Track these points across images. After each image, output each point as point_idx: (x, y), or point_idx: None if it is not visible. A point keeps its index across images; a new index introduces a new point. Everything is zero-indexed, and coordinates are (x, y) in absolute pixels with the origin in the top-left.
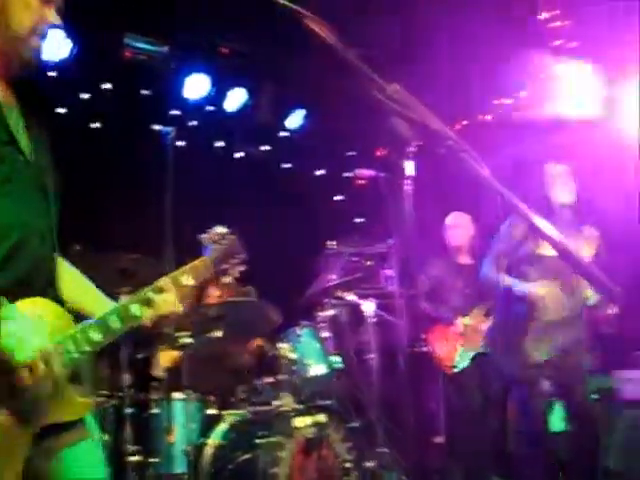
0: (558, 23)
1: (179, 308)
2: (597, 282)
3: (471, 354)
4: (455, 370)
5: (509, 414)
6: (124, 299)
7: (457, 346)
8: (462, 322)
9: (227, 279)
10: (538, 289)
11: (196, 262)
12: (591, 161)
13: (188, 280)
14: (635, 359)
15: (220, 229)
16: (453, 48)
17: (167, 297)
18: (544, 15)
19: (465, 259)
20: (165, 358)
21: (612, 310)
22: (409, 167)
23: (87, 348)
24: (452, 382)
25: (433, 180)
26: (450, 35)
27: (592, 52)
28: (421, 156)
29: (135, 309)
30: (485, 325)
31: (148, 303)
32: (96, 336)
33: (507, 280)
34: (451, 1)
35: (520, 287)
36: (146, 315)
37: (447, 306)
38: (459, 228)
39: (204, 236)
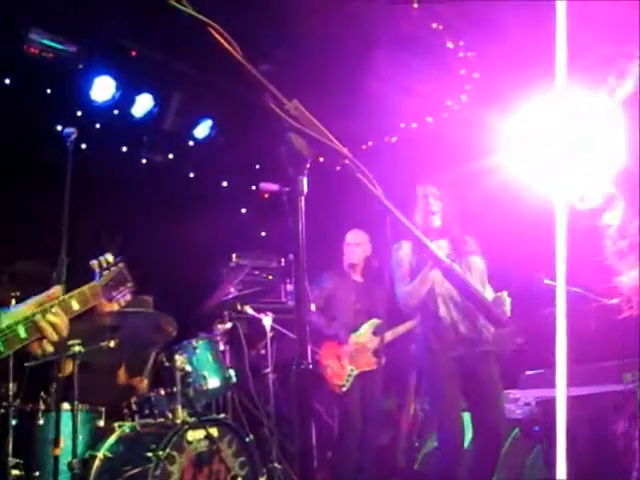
0: (461, 54)
1: (64, 334)
2: (482, 307)
3: (356, 372)
4: (344, 389)
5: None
6: (7, 318)
7: (346, 365)
8: (354, 340)
9: (114, 306)
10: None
11: (84, 288)
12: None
13: (75, 305)
14: (524, 380)
15: (110, 257)
16: (362, 69)
17: (54, 320)
18: (450, 45)
19: (358, 277)
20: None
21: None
22: (303, 184)
23: None
24: (338, 401)
25: (326, 197)
26: (360, 57)
27: (492, 85)
28: (316, 173)
29: (21, 331)
30: (372, 344)
31: (35, 326)
32: None
33: (414, 283)
34: (362, 25)
35: (421, 275)
36: (31, 338)
37: (339, 322)
38: (359, 246)
39: (93, 262)
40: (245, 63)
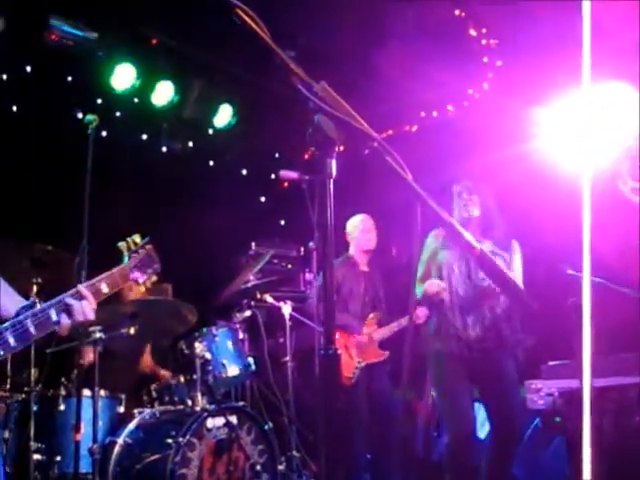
0: (484, 42)
1: (92, 316)
2: (513, 293)
3: (363, 364)
4: (352, 381)
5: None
6: (36, 298)
7: (354, 356)
8: (366, 332)
9: (141, 288)
10: (427, 287)
11: (113, 270)
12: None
13: (105, 288)
14: (547, 370)
15: (137, 238)
16: (383, 57)
17: (85, 305)
18: (473, 32)
19: (365, 266)
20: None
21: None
22: (332, 166)
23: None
24: (345, 394)
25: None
26: (381, 44)
27: (516, 73)
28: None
29: (53, 314)
30: (378, 335)
31: (66, 309)
32: (11, 340)
33: (419, 290)
34: (383, 12)
35: (418, 291)
36: (64, 322)
37: (350, 313)
38: (373, 232)
39: (122, 244)
40: (274, 45)
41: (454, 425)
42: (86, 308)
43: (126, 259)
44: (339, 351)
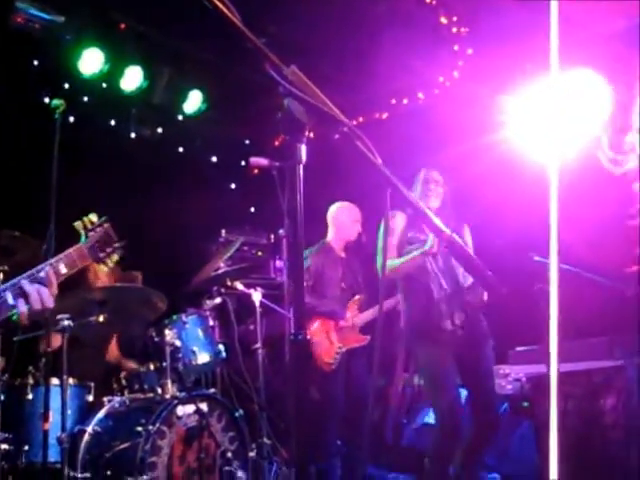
0: (454, 30)
1: (51, 303)
2: (483, 277)
3: (344, 349)
4: (332, 367)
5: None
6: None
7: (335, 342)
8: (349, 317)
9: (104, 267)
10: (433, 242)
11: (70, 250)
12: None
13: (63, 268)
14: (514, 355)
15: (94, 217)
16: (353, 43)
17: (42, 292)
18: (443, 20)
19: (342, 252)
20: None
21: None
22: (302, 152)
23: None
24: (324, 379)
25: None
26: (350, 31)
27: (486, 61)
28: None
29: (9, 298)
30: (359, 320)
31: (23, 294)
32: None
33: (402, 260)
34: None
35: (416, 252)
36: (21, 308)
37: (329, 299)
38: (358, 222)
39: (77, 223)
40: (245, 30)
41: (444, 404)
42: (44, 294)
43: (83, 238)
44: (318, 337)
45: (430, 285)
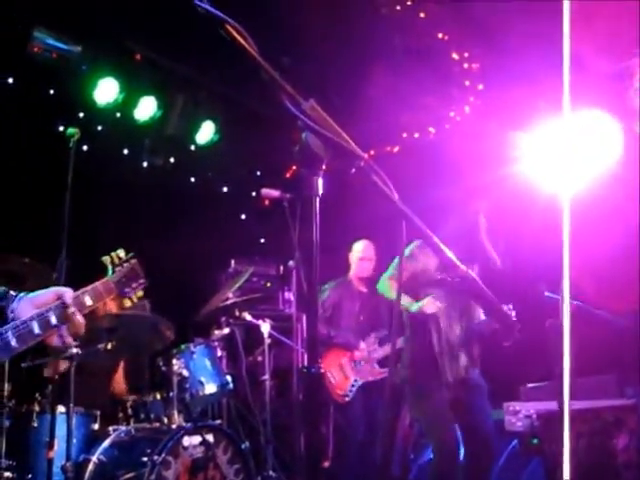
0: (465, 65)
1: (81, 331)
2: (497, 312)
3: (360, 383)
4: (347, 399)
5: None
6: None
7: (350, 375)
8: (365, 349)
9: (127, 302)
10: (427, 305)
11: (97, 284)
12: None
13: (89, 301)
14: (525, 392)
15: (122, 253)
16: (366, 78)
17: (79, 317)
18: (455, 56)
19: (363, 287)
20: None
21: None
22: (319, 185)
23: None
24: (340, 411)
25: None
26: (364, 65)
27: (497, 97)
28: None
29: (35, 327)
30: (377, 354)
31: (66, 317)
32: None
33: (404, 301)
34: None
35: (414, 307)
36: (45, 334)
37: (344, 331)
38: (372, 261)
39: (105, 258)
40: (263, 62)
41: (441, 442)
42: (79, 320)
43: (110, 272)
44: (332, 368)
45: (433, 337)
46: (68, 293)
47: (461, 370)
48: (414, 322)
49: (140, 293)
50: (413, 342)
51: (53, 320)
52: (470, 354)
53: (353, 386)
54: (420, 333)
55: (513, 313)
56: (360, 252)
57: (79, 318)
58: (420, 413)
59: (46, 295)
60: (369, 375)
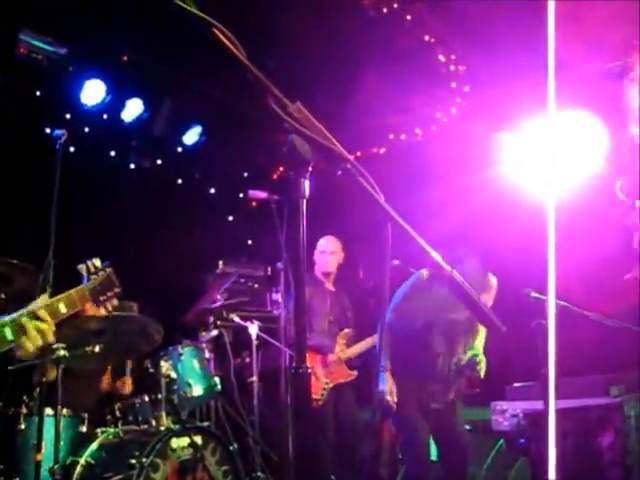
0: (452, 67)
1: (50, 339)
2: (483, 314)
3: (331, 385)
4: (319, 403)
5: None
6: None
7: (321, 377)
8: (337, 352)
9: (101, 311)
10: (385, 387)
11: (72, 291)
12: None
13: (63, 308)
14: (511, 392)
15: (97, 261)
16: (353, 80)
17: (41, 326)
18: (441, 58)
19: (330, 285)
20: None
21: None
22: (306, 187)
23: None
24: (312, 415)
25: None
26: (350, 67)
27: (483, 99)
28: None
29: (8, 333)
30: (345, 355)
31: (22, 330)
32: None
33: (384, 355)
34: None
35: (381, 380)
36: (18, 340)
37: (317, 333)
38: (334, 254)
39: (81, 266)
40: (250, 65)
41: (412, 455)
42: (42, 328)
43: (85, 280)
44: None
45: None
46: (41, 306)
47: (441, 385)
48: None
49: (114, 302)
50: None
51: (9, 335)
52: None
53: (324, 389)
54: (416, 335)
55: (484, 364)
56: (320, 246)
57: (42, 326)
58: (396, 418)
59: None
60: (340, 377)
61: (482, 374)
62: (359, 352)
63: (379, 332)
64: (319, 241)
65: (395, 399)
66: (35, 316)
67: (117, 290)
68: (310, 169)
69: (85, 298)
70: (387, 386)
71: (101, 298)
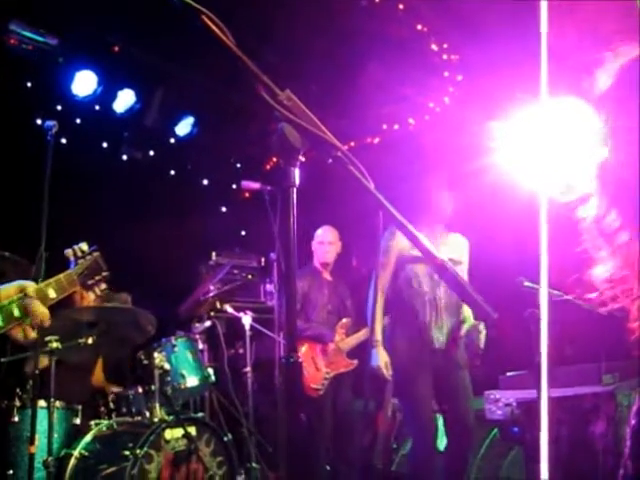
0: (445, 56)
1: (47, 322)
2: (474, 302)
3: (332, 375)
4: (320, 393)
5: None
6: None
7: (322, 367)
8: (336, 341)
9: (91, 296)
10: (380, 362)
11: (60, 276)
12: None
13: (52, 293)
14: (505, 381)
15: (84, 246)
16: (345, 69)
17: (40, 308)
18: (434, 47)
19: (328, 275)
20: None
21: (482, 337)
22: (296, 176)
23: None
24: (311, 405)
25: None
26: (343, 57)
27: (476, 88)
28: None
29: (15, 311)
30: (345, 344)
31: (26, 309)
32: None
33: (376, 329)
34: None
35: (374, 356)
36: (24, 320)
37: (315, 323)
38: (332, 244)
39: (68, 251)
40: (240, 53)
41: (417, 433)
42: (41, 310)
43: (72, 265)
44: (305, 362)
45: (418, 308)
46: (31, 286)
47: (444, 336)
48: (398, 299)
49: (103, 286)
50: (399, 318)
51: (16, 312)
52: (455, 322)
53: (325, 379)
54: (408, 307)
55: (484, 334)
56: (318, 237)
57: (42, 309)
58: (402, 398)
59: (8, 289)
60: (341, 366)
61: (482, 345)
62: (358, 342)
63: (370, 307)
64: (317, 231)
65: (390, 372)
66: (31, 298)
67: (105, 274)
68: (300, 157)
69: (74, 283)
70: (381, 361)
71: (89, 282)
